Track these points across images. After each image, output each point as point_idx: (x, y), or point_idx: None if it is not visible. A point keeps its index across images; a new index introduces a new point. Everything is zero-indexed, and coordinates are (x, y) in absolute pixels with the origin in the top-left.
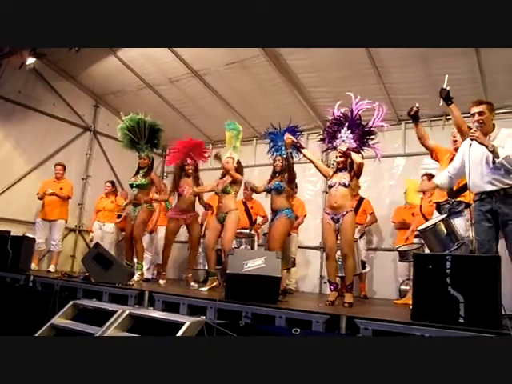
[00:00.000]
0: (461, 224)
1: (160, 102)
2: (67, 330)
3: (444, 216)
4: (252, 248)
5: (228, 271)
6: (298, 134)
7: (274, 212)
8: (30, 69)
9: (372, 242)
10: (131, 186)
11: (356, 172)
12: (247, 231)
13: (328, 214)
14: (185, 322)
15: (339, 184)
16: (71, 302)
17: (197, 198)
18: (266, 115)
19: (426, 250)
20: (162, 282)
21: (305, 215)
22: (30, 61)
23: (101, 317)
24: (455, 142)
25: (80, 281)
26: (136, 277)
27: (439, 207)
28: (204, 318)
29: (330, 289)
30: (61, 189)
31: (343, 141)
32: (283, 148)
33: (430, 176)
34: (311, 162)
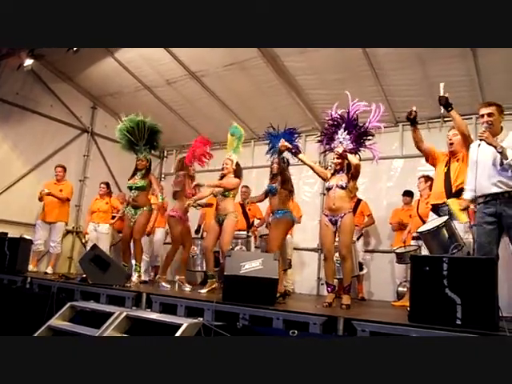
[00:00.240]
0: (459, 226)
1: (157, 104)
2: (64, 331)
3: (446, 218)
4: (248, 249)
5: (225, 273)
6: (295, 135)
7: (272, 214)
8: (27, 70)
9: (370, 243)
10: (130, 188)
11: (353, 174)
12: (244, 233)
13: (326, 215)
14: (182, 324)
15: (337, 186)
16: (68, 304)
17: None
18: (263, 117)
19: (424, 252)
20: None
21: (300, 216)
22: (28, 62)
23: (98, 318)
24: (451, 144)
25: (77, 282)
26: (135, 278)
27: (436, 209)
28: (201, 319)
29: (328, 290)
30: (60, 190)
31: (340, 142)
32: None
33: (428, 178)
34: (308, 166)
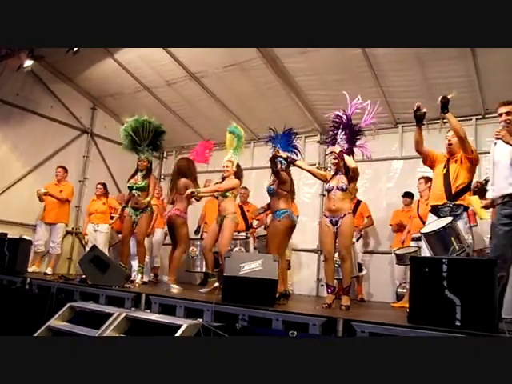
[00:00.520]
0: (461, 227)
1: (157, 105)
2: (64, 332)
3: (451, 219)
4: (247, 250)
5: (225, 274)
6: (293, 136)
7: (272, 214)
8: (27, 71)
9: (369, 244)
10: (131, 188)
11: (352, 176)
12: (243, 234)
13: (327, 216)
14: (181, 325)
15: (337, 188)
16: (68, 305)
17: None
18: (263, 118)
19: (423, 253)
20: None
21: (297, 216)
22: (28, 63)
23: (97, 319)
24: (450, 145)
25: (77, 283)
26: (138, 280)
27: (436, 210)
28: (201, 320)
29: (327, 291)
30: (61, 191)
31: (338, 143)
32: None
33: (428, 179)
34: (307, 171)
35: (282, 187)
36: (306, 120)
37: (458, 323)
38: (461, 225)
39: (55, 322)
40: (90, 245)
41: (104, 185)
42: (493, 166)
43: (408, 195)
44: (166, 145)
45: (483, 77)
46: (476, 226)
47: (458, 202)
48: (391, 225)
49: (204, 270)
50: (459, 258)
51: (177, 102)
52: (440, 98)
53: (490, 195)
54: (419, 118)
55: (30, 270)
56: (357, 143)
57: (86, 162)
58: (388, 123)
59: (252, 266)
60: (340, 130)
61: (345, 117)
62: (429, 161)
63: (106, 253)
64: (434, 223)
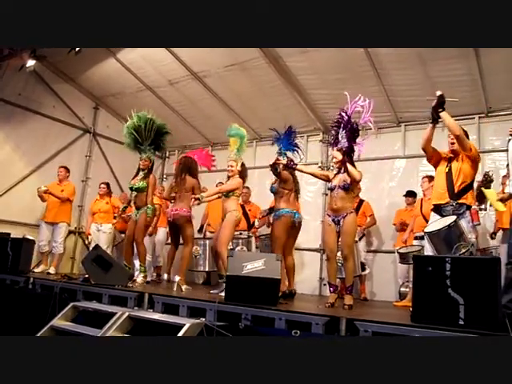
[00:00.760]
0: (464, 226)
1: (160, 104)
2: (67, 331)
3: (455, 217)
4: (249, 250)
5: (228, 273)
6: (294, 135)
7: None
8: (30, 71)
9: (372, 243)
10: (131, 189)
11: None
12: (245, 233)
13: (329, 215)
14: (184, 324)
15: (339, 187)
16: (71, 304)
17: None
18: (265, 117)
19: (426, 252)
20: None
21: None
22: (30, 63)
23: (100, 319)
24: (453, 144)
25: (80, 283)
26: (140, 279)
27: (439, 209)
28: (204, 320)
29: (330, 290)
30: (62, 191)
31: (339, 142)
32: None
33: (431, 178)
34: (310, 174)
35: (284, 186)
36: (308, 119)
37: (461, 322)
38: (464, 223)
39: (58, 321)
40: (93, 244)
41: (107, 184)
42: (510, 162)
43: (410, 194)
44: (168, 144)
45: (486, 76)
46: (479, 224)
47: (460, 201)
48: (395, 224)
49: (207, 269)
50: (462, 256)
51: (179, 101)
52: (438, 95)
53: (508, 189)
54: (439, 108)
55: (38, 270)
56: (356, 140)
57: (89, 161)
58: (390, 122)
59: (255, 266)
60: (341, 129)
61: (345, 115)
62: (434, 159)
63: (109, 252)
64: (436, 222)
